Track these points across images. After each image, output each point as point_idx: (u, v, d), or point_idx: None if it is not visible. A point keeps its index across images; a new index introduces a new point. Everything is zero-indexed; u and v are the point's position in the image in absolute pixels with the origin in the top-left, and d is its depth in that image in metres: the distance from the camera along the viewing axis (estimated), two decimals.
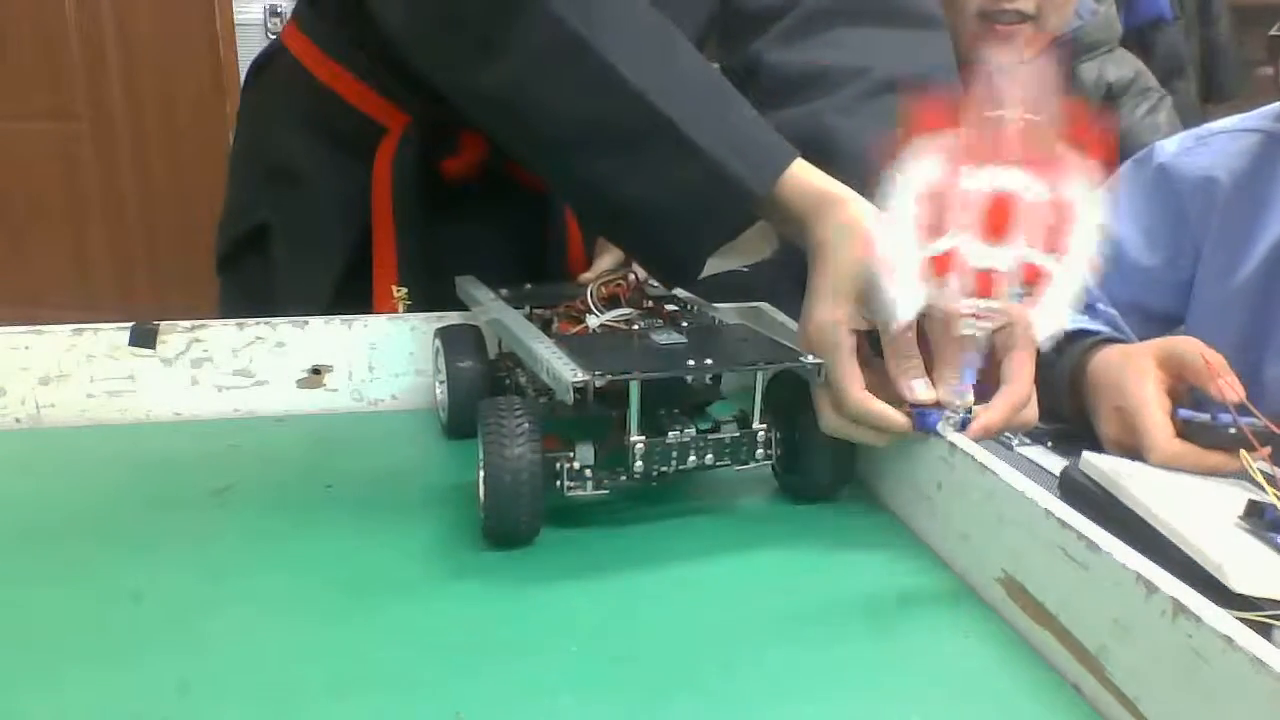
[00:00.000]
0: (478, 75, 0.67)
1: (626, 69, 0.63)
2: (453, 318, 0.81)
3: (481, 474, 0.58)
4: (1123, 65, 1.45)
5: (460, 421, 0.73)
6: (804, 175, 0.65)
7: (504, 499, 0.56)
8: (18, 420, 0.76)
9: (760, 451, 0.62)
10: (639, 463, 0.58)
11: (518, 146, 0.72)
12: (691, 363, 0.58)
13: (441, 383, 0.75)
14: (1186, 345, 0.73)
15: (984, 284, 0.57)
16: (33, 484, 0.67)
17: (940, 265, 0.57)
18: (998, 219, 0.56)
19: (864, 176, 0.69)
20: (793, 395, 0.64)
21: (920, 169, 0.55)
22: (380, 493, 0.66)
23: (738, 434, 0.62)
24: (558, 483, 0.58)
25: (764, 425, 0.62)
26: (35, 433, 0.76)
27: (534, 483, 0.56)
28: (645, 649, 0.49)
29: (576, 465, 0.58)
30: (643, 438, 0.58)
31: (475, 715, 0.44)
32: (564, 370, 0.55)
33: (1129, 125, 1.41)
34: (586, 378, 0.54)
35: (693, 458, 0.60)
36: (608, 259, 0.94)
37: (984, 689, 0.47)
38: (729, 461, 0.62)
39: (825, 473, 0.65)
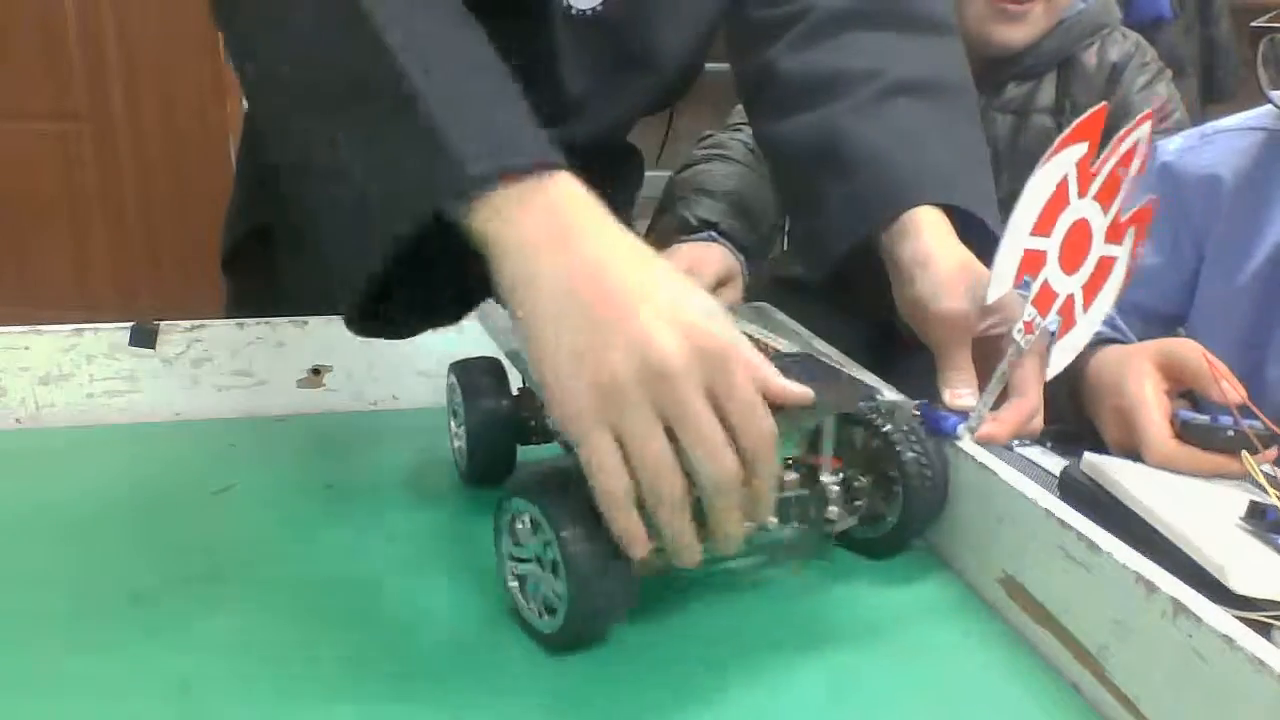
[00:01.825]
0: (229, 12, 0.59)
1: (380, 16, 0.51)
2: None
3: (519, 571, 0.50)
4: (1123, 43, 1.45)
5: (482, 469, 0.65)
6: (563, 192, 0.49)
7: (594, 594, 0.46)
8: (18, 420, 0.76)
9: (835, 509, 0.54)
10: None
11: (257, 88, 0.61)
12: None
13: (459, 425, 0.66)
14: (1186, 348, 0.73)
15: (1046, 300, 0.59)
16: (33, 484, 0.67)
17: (1029, 263, 0.58)
18: (1076, 247, 0.58)
19: (876, 176, 0.69)
20: (860, 428, 0.57)
21: (1058, 168, 0.57)
22: (380, 493, 0.66)
23: (805, 492, 0.53)
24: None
25: (836, 479, 0.54)
26: (35, 433, 0.76)
27: (625, 566, 0.46)
28: (645, 649, 0.49)
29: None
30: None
31: (476, 716, 0.44)
32: None
33: (1128, 98, 1.41)
34: None
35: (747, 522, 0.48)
36: None
37: (984, 689, 0.47)
38: (795, 523, 0.53)
39: (917, 520, 0.57)
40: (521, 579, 0.50)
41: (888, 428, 0.56)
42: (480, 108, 0.51)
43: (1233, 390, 0.69)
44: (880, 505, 0.57)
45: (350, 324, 0.53)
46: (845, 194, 0.71)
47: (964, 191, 0.69)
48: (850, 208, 0.71)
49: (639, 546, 0.45)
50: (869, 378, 0.56)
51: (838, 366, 0.57)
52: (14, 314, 1.12)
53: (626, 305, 0.45)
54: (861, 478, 0.56)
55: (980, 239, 0.66)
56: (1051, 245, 0.58)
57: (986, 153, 0.80)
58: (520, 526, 0.49)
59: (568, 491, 0.46)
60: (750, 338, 0.64)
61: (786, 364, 0.53)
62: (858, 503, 0.56)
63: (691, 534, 0.46)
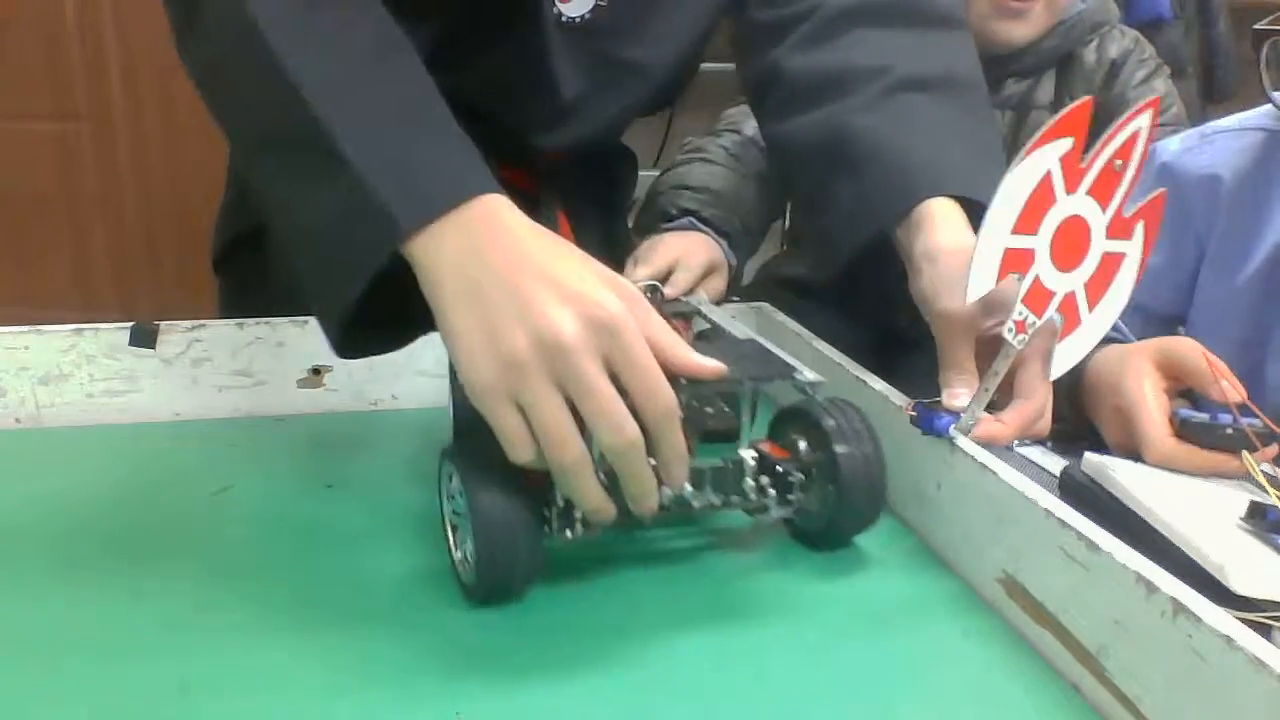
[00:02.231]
0: (186, 50, 0.64)
1: (291, 64, 0.54)
2: None
3: (454, 526, 0.54)
4: (1121, 39, 1.47)
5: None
6: (486, 206, 0.52)
7: (500, 552, 0.50)
8: (18, 420, 0.76)
9: (749, 483, 0.54)
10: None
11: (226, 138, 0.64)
12: None
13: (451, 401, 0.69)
14: (1186, 347, 0.73)
15: (1038, 298, 0.58)
16: (33, 484, 0.67)
17: (1013, 261, 0.57)
18: (1071, 244, 0.57)
19: (887, 171, 0.69)
20: (806, 425, 0.58)
21: (1038, 164, 0.56)
22: (380, 493, 0.66)
23: (719, 464, 0.54)
24: (545, 527, 0.52)
25: (754, 453, 0.55)
26: (35, 433, 0.76)
27: (531, 529, 0.50)
28: (643, 649, 0.49)
29: (561, 503, 0.51)
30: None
31: (475, 715, 0.44)
32: None
33: (1124, 93, 1.43)
34: None
35: (667, 490, 0.51)
36: (642, 270, 0.93)
37: (984, 689, 0.47)
38: (714, 498, 0.54)
39: (850, 519, 0.57)
40: (455, 533, 0.54)
41: (830, 423, 0.56)
42: (404, 149, 0.53)
43: (1232, 389, 0.69)
44: (816, 497, 0.57)
45: (342, 354, 0.57)
46: (855, 191, 0.71)
47: (977, 183, 0.68)
48: (860, 205, 0.70)
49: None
50: (794, 361, 0.57)
51: (774, 351, 0.59)
52: (14, 314, 1.12)
53: (529, 285, 0.48)
54: (797, 470, 0.56)
55: None
56: (1039, 243, 0.57)
57: (999, 146, 0.79)
58: (451, 484, 0.53)
59: (483, 454, 0.50)
60: (710, 321, 0.68)
61: (700, 344, 0.58)
62: (790, 496, 0.56)
63: (599, 498, 0.49)
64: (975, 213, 0.67)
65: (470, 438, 0.52)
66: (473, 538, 0.50)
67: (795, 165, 0.79)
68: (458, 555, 0.53)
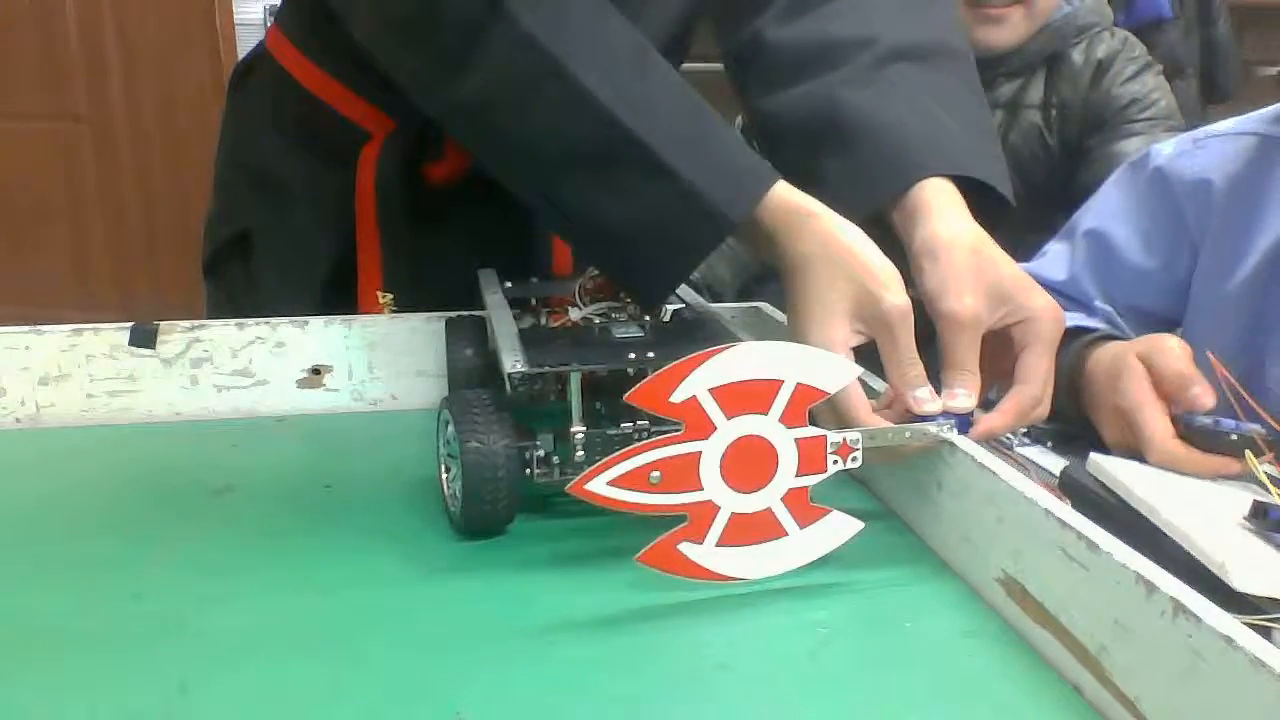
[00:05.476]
0: (444, 90, 0.66)
1: (599, 89, 0.62)
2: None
3: (447, 469, 0.60)
4: (1110, 40, 1.48)
5: None
6: (779, 195, 0.63)
7: (483, 490, 0.56)
8: (18, 420, 0.76)
9: None
10: (580, 452, 0.58)
11: (489, 159, 0.70)
12: (633, 355, 0.60)
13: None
14: (1168, 355, 0.72)
15: None
16: (33, 484, 0.67)
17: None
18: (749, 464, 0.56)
19: (879, 148, 0.68)
20: None
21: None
22: (380, 493, 0.66)
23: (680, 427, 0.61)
24: (527, 470, 0.59)
25: None
26: (35, 433, 0.76)
27: (510, 469, 0.57)
28: (643, 649, 0.49)
29: (542, 453, 0.59)
30: (583, 428, 0.58)
31: (475, 715, 0.44)
32: (506, 361, 0.58)
33: (1111, 89, 1.43)
34: (523, 369, 0.57)
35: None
36: None
37: (984, 689, 0.47)
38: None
39: None
40: (448, 473, 0.60)
41: None
42: (709, 150, 0.63)
43: (1204, 394, 0.69)
44: None
45: (647, 310, 0.69)
46: (847, 169, 0.70)
47: (972, 160, 0.67)
48: (852, 184, 0.69)
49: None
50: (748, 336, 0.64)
51: (730, 330, 0.67)
52: (14, 314, 1.12)
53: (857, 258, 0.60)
54: None
55: (995, 206, 0.66)
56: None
57: (990, 119, 0.78)
58: (447, 430, 0.59)
59: (478, 408, 0.58)
60: (682, 301, 0.74)
61: (667, 323, 0.69)
62: None
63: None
64: (972, 190, 0.67)
65: (466, 390, 0.61)
66: (461, 476, 0.56)
67: (782, 142, 0.78)
68: (449, 492, 0.60)
